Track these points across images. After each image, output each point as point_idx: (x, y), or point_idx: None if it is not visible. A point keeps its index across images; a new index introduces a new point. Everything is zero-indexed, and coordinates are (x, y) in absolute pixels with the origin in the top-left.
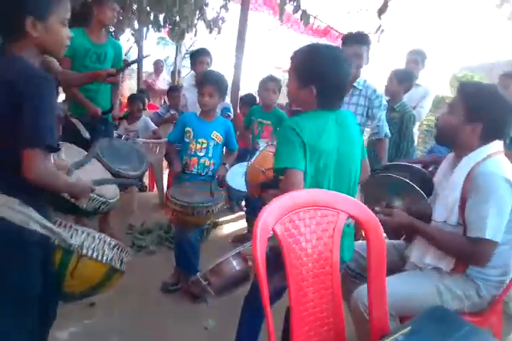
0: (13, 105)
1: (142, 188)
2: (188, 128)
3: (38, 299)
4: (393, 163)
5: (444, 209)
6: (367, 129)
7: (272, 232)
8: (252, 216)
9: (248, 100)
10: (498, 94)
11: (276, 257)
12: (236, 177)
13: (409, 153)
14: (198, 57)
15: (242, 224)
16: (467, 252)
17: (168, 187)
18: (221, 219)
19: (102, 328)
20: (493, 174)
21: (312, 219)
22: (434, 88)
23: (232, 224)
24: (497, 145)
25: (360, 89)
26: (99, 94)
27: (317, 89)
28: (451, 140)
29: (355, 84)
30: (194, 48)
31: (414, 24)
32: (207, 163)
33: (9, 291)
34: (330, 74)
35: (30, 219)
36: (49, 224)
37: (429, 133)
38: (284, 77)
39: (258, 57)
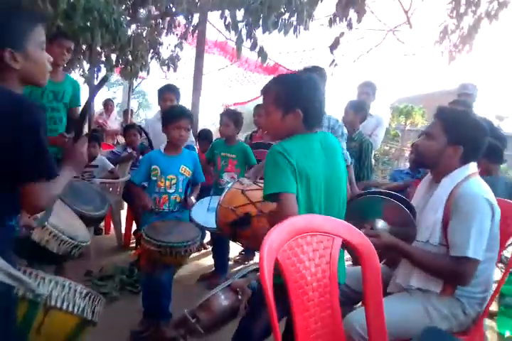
0: (14, 138)
1: (97, 231)
2: (154, 166)
3: None
4: (375, 190)
5: (425, 230)
6: None
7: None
8: (219, 254)
9: (204, 136)
10: (474, 118)
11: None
12: (200, 213)
13: (369, 180)
14: (164, 93)
15: (207, 261)
16: (451, 272)
17: (126, 229)
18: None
19: None
20: (474, 195)
21: (309, 246)
22: (385, 117)
23: (197, 262)
24: (474, 166)
25: (322, 121)
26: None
27: (303, 112)
28: (432, 164)
29: None
30: (139, 88)
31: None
32: (178, 200)
33: None
34: (313, 96)
35: None
36: (16, 272)
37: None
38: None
39: (208, 95)
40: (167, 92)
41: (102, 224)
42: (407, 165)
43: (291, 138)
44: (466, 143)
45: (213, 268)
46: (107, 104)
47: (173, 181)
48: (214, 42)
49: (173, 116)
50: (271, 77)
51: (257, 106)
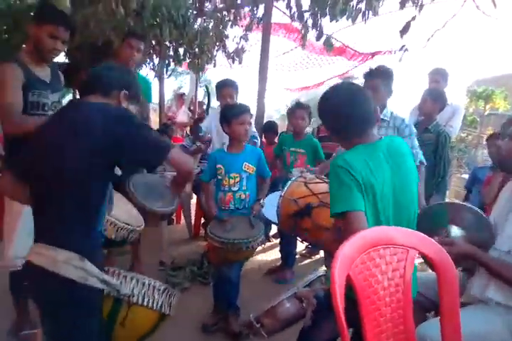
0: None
1: (168, 221)
2: (219, 165)
3: None
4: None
5: (507, 239)
6: None
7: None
8: (286, 247)
9: (270, 127)
10: None
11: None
12: (270, 207)
13: (445, 174)
14: (222, 89)
15: (274, 255)
16: None
17: (195, 220)
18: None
19: None
20: None
21: (382, 259)
22: (462, 105)
23: (264, 255)
24: None
25: (388, 121)
26: None
27: (345, 122)
28: None
29: (381, 116)
30: (205, 77)
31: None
32: (243, 197)
33: None
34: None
35: (89, 274)
36: (106, 277)
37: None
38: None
39: (272, 80)
40: (225, 88)
41: (174, 214)
42: (485, 153)
43: (353, 149)
44: None
45: (280, 262)
46: (179, 98)
47: (237, 179)
48: (279, 23)
49: (236, 112)
50: (338, 58)
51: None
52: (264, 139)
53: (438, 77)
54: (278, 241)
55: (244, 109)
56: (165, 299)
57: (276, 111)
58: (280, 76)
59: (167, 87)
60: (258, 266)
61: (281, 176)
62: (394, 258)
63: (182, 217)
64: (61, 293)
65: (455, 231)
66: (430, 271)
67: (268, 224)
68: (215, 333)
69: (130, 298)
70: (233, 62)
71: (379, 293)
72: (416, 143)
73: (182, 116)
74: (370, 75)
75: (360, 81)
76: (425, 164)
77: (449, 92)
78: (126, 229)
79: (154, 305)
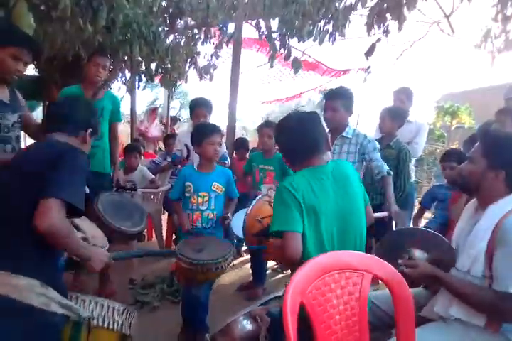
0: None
1: (140, 238)
2: (188, 183)
3: None
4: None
5: (467, 259)
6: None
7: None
8: (256, 264)
9: (241, 144)
10: None
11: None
12: (238, 223)
13: (405, 189)
14: (196, 109)
15: (245, 270)
16: (492, 306)
17: (166, 237)
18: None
19: None
20: None
21: (338, 284)
22: (426, 123)
23: (235, 271)
24: None
25: (350, 138)
26: (98, 150)
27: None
28: (475, 188)
29: (344, 134)
30: (181, 89)
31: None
32: (210, 216)
33: None
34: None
35: (51, 300)
36: (68, 302)
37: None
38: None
39: (245, 92)
40: (199, 108)
41: (145, 230)
42: None
43: (299, 172)
44: (509, 167)
45: (251, 278)
46: (150, 113)
47: (206, 198)
48: (252, 38)
49: (207, 132)
50: (311, 73)
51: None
52: (235, 155)
53: (403, 96)
54: (250, 256)
55: (214, 130)
56: (125, 319)
57: (253, 122)
58: (256, 89)
59: (143, 99)
60: (230, 281)
61: (251, 193)
62: (349, 282)
63: (154, 233)
64: (24, 320)
65: (417, 254)
66: None
67: (241, 239)
68: None
69: (90, 320)
70: (201, 79)
71: (334, 318)
72: (379, 156)
73: (154, 130)
74: (330, 96)
75: None
76: (391, 174)
77: (417, 108)
78: None
79: (115, 326)
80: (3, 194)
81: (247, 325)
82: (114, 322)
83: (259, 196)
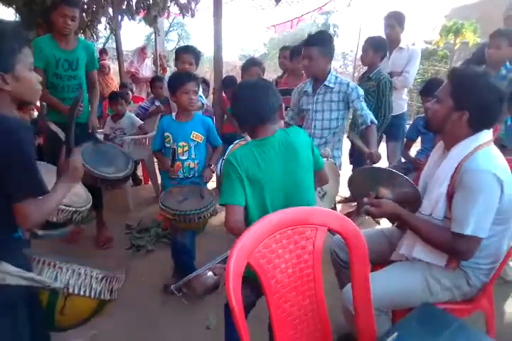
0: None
1: (137, 182)
2: (167, 133)
3: None
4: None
5: (428, 203)
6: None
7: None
8: None
9: (229, 82)
10: (489, 82)
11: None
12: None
13: (386, 118)
14: (182, 55)
15: None
16: (449, 246)
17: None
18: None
19: (106, 330)
20: (480, 171)
21: (290, 239)
22: (420, 48)
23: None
24: (485, 136)
25: (332, 87)
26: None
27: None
28: (439, 128)
29: (326, 83)
30: (178, 20)
31: None
32: (192, 166)
33: None
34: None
35: (6, 274)
36: (27, 275)
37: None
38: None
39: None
40: (185, 54)
41: (141, 174)
42: None
43: (244, 145)
44: (473, 108)
45: None
46: (142, 51)
47: (186, 148)
48: None
49: (181, 80)
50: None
51: (283, 48)
52: (224, 94)
53: (392, 21)
54: None
55: (188, 78)
56: (104, 286)
57: (254, 51)
58: (256, 15)
59: (140, 34)
60: (220, 224)
61: (237, 133)
62: (303, 236)
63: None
64: None
65: (385, 192)
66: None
67: None
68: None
69: (64, 289)
70: (183, 16)
71: (287, 271)
72: (364, 105)
73: (146, 70)
74: (304, 43)
75: (338, 14)
76: (376, 124)
77: (418, 29)
78: (68, 211)
79: (92, 293)
80: None
81: (208, 279)
82: (91, 290)
83: (237, 140)
